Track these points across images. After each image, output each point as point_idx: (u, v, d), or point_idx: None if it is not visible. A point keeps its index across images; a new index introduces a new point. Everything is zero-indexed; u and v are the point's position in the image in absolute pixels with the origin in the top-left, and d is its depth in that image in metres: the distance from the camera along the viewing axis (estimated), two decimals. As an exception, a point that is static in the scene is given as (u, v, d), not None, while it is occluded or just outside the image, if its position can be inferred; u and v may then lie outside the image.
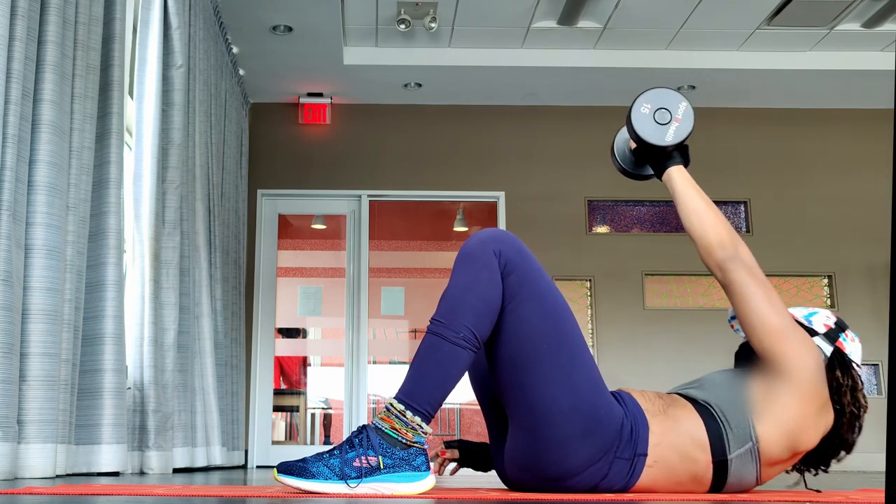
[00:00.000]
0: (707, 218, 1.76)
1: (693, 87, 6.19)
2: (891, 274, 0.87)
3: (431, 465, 2.03)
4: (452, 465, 2.04)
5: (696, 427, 1.65)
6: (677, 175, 1.83)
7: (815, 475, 1.80)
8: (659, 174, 1.87)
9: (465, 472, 4.60)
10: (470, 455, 2.02)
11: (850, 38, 5.65)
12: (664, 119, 1.81)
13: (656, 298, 6.33)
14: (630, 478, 1.64)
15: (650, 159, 1.88)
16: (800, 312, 1.80)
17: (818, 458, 1.76)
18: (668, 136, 1.80)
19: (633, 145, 1.91)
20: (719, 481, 1.66)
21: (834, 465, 1.79)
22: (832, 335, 1.75)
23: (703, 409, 1.67)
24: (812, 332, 1.76)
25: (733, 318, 1.84)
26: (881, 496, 1.59)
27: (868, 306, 6.17)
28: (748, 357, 1.77)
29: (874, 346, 5.65)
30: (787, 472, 1.81)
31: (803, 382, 1.65)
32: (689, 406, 1.69)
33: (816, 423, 1.67)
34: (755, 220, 6.43)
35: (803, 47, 5.83)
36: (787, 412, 1.64)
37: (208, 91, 4.52)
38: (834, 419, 1.71)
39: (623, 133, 1.98)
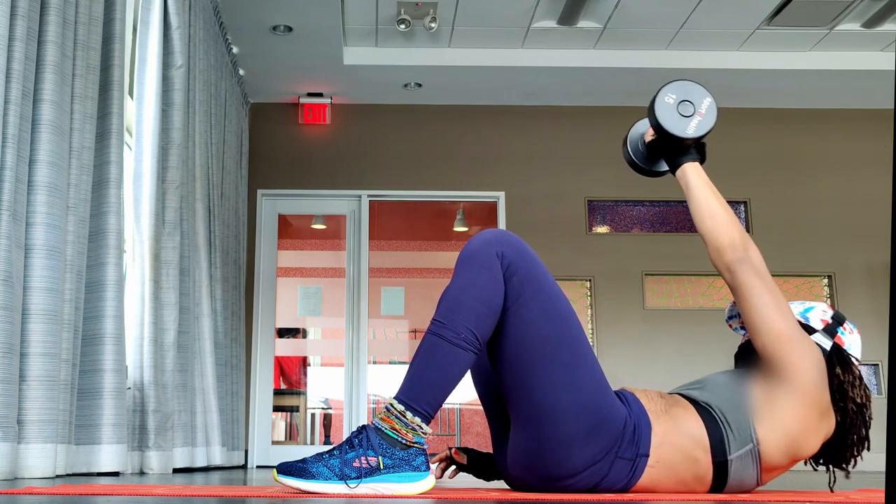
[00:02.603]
0: (719, 218, 1.75)
1: (693, 87, 6.19)
2: (891, 274, 0.87)
3: (433, 466, 2.02)
4: (452, 467, 2.03)
5: (696, 428, 1.65)
6: (692, 172, 1.81)
7: (840, 470, 1.78)
8: (673, 169, 1.85)
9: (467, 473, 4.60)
10: (475, 463, 2.01)
11: (850, 38, 5.65)
12: (687, 111, 1.78)
13: (656, 298, 6.33)
14: (631, 478, 1.64)
15: (666, 153, 1.86)
16: (796, 308, 1.79)
17: (835, 456, 1.75)
18: (690, 129, 1.78)
19: (648, 139, 1.89)
20: (720, 482, 1.66)
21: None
22: (830, 330, 1.75)
23: (703, 410, 1.67)
24: (810, 330, 1.75)
25: (731, 317, 1.83)
26: (881, 496, 1.59)
27: (868, 306, 6.17)
28: (748, 357, 1.77)
29: (874, 346, 5.65)
30: (814, 469, 1.80)
31: (806, 389, 1.65)
32: (690, 407, 1.69)
33: (818, 429, 1.67)
34: (755, 220, 6.43)
35: (803, 47, 5.83)
36: (788, 418, 1.64)
37: (208, 91, 4.52)
38: (839, 421, 1.70)
39: (637, 127, 1.96)
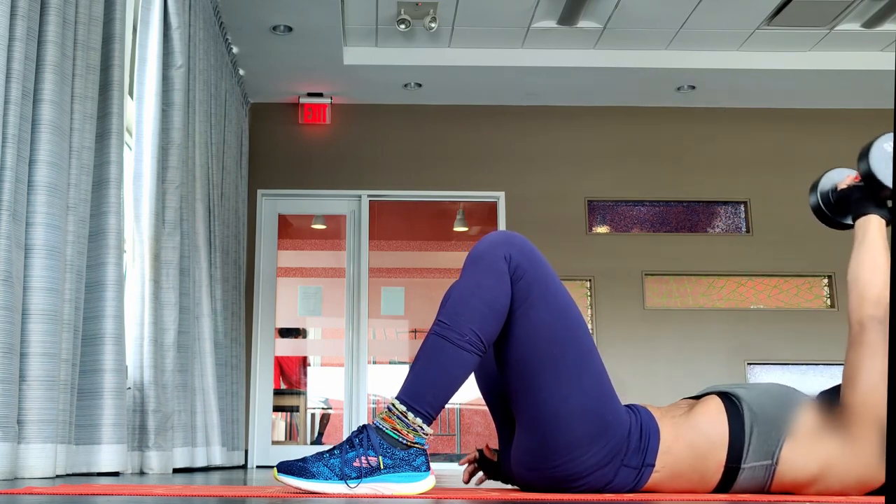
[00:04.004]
0: (880, 274, 1.72)
1: (693, 87, 6.19)
2: (891, 274, 0.87)
3: (461, 467, 2.00)
4: (480, 474, 2.01)
5: (715, 426, 1.64)
6: (876, 224, 1.78)
7: None
8: (857, 216, 1.82)
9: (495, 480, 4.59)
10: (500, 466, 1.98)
11: (850, 38, 5.65)
12: None
13: (656, 298, 6.33)
14: (635, 485, 1.64)
15: (858, 201, 1.82)
16: None
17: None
18: None
19: (842, 187, 1.87)
20: (724, 486, 1.66)
21: None
22: None
23: (735, 409, 1.65)
24: None
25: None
26: (881, 497, 1.59)
27: (868, 306, 6.16)
28: (830, 396, 1.72)
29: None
30: None
31: (859, 458, 1.60)
32: (719, 404, 1.67)
33: (841, 486, 1.62)
34: (755, 220, 6.43)
35: (803, 47, 5.83)
36: (823, 457, 1.61)
37: (208, 91, 4.52)
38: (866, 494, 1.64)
39: (830, 175, 1.94)
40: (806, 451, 1.62)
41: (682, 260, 6.33)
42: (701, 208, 6.53)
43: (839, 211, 1.93)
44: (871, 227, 1.78)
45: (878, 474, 1.61)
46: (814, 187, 1.97)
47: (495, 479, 1.97)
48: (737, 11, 5.30)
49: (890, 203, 1.82)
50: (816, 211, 1.96)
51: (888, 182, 1.76)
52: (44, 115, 2.41)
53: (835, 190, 1.92)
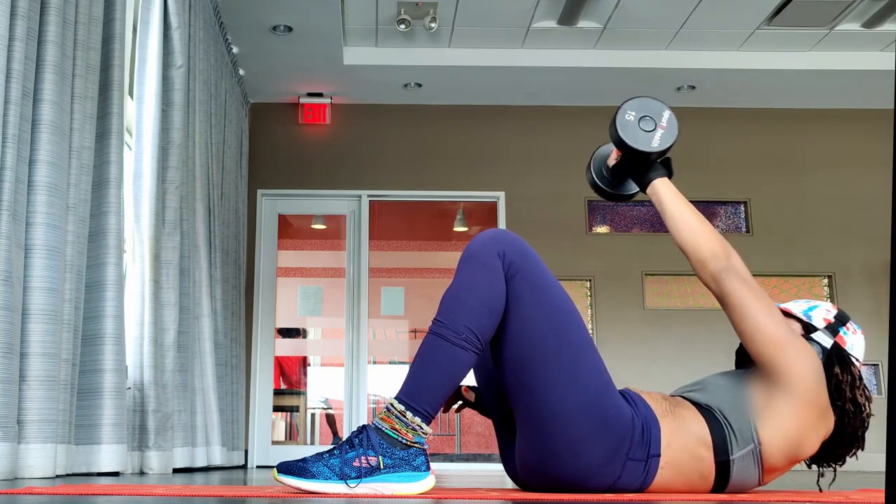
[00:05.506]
0: (698, 230, 1.74)
1: (693, 87, 6.19)
2: (891, 274, 0.87)
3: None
4: (459, 402, 2.01)
5: (700, 427, 1.65)
6: (663, 187, 1.81)
7: (830, 469, 1.77)
8: (643, 187, 1.85)
9: (467, 471, 4.61)
10: (481, 400, 1.98)
11: (850, 38, 5.65)
12: (649, 126, 1.79)
13: (656, 298, 6.33)
14: (645, 478, 1.63)
15: (633, 171, 1.86)
16: (799, 307, 1.78)
17: (831, 455, 1.74)
18: (654, 142, 1.79)
19: (612, 162, 1.90)
20: (722, 482, 1.66)
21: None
22: (832, 328, 1.73)
23: (705, 411, 1.67)
24: (812, 328, 1.75)
25: None
26: (881, 496, 1.59)
27: (868, 306, 6.17)
28: (747, 358, 1.76)
29: (874, 346, 5.65)
30: (807, 466, 1.80)
31: (803, 391, 1.63)
32: (693, 408, 1.69)
33: (817, 429, 1.66)
34: (755, 220, 6.43)
35: (803, 47, 5.83)
36: (787, 420, 1.63)
37: (208, 91, 4.52)
38: (836, 420, 1.69)
39: (600, 152, 1.97)
40: (773, 420, 1.64)
41: (682, 260, 6.27)
42: (701, 208, 6.52)
43: (617, 183, 1.94)
44: (662, 191, 1.80)
45: (822, 388, 1.65)
46: (588, 167, 1.98)
47: (472, 408, 1.98)
48: (737, 11, 5.30)
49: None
50: (596, 189, 1.97)
51: (644, 147, 1.78)
52: (44, 115, 2.41)
53: (607, 167, 1.93)
